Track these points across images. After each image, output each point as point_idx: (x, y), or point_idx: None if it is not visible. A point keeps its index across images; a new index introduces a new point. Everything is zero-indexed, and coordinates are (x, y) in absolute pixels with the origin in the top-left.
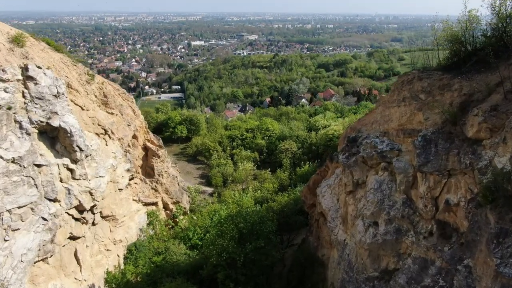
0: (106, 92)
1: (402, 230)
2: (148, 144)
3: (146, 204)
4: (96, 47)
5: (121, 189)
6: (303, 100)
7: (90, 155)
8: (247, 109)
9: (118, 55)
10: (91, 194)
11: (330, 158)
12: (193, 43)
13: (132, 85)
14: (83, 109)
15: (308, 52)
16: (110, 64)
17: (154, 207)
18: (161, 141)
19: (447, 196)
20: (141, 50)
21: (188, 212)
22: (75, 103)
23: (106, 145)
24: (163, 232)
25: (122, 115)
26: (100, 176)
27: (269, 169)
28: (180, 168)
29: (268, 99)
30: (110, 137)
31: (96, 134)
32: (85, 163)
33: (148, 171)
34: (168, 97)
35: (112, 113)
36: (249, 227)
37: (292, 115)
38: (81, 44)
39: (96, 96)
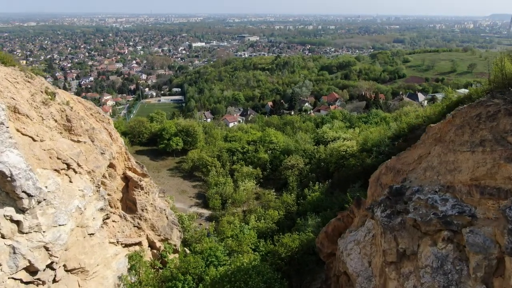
0: (70, 115)
1: None
2: (129, 173)
3: (127, 246)
4: (96, 49)
5: (92, 234)
6: (307, 104)
7: (45, 199)
8: (248, 113)
9: (119, 56)
10: (46, 249)
11: (357, 203)
12: (194, 44)
13: (132, 87)
14: (35, 140)
15: (310, 54)
16: (110, 66)
17: (137, 248)
18: (145, 168)
19: None
20: (141, 52)
21: (179, 249)
22: (23, 133)
23: (71, 181)
24: (149, 276)
25: (93, 141)
26: (60, 225)
27: (273, 189)
28: (174, 186)
29: (270, 103)
30: (75, 172)
31: (55, 170)
32: (37, 211)
33: (129, 205)
34: (168, 100)
35: (78, 141)
36: None
37: (297, 124)
38: (82, 46)
39: (56, 121)
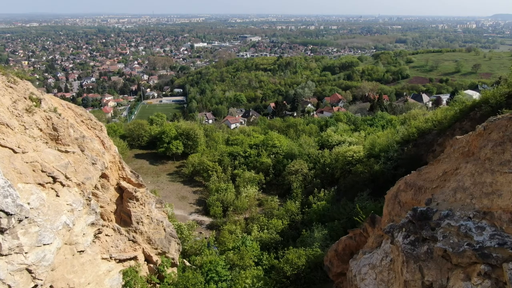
0: (57, 123)
1: None
2: (124, 183)
3: (121, 261)
4: (98, 49)
5: (83, 251)
6: (309, 105)
7: (27, 217)
8: (250, 114)
9: (121, 57)
10: (29, 271)
11: (371, 221)
12: (196, 45)
13: (134, 88)
14: (16, 152)
15: (312, 54)
16: (112, 66)
17: (132, 262)
18: (140, 178)
19: None
20: (143, 52)
21: (178, 262)
22: (2, 145)
23: (57, 196)
24: None
25: (83, 151)
26: (44, 244)
27: (276, 195)
28: (174, 192)
29: (272, 104)
30: (63, 185)
31: (39, 184)
32: (18, 231)
33: (124, 218)
34: (169, 101)
35: (66, 151)
36: None
37: (301, 126)
38: (84, 46)
39: (41, 130)
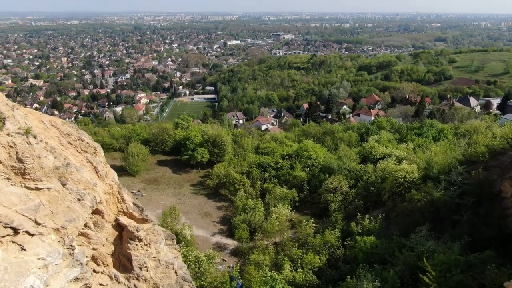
0: (24, 152)
1: None
2: (123, 219)
3: None
4: (134, 46)
5: None
6: (345, 106)
7: None
8: (282, 115)
9: (155, 54)
10: None
11: None
12: (229, 42)
13: (166, 85)
14: None
15: (347, 53)
16: (146, 63)
17: None
18: (145, 212)
19: None
20: (177, 50)
21: None
22: None
23: (23, 250)
24: None
25: (65, 184)
26: None
27: (311, 215)
28: (197, 207)
29: (305, 105)
30: (30, 234)
31: None
32: None
33: (123, 262)
34: (201, 99)
35: (37, 188)
36: None
37: (339, 134)
38: (120, 44)
39: (0, 162)
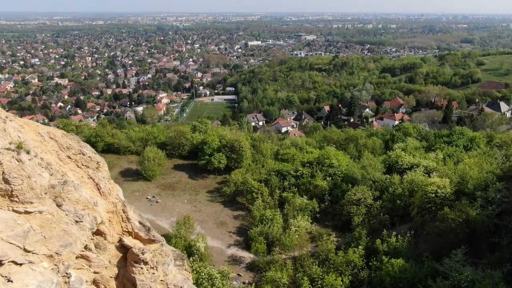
0: (11, 171)
1: None
2: (128, 240)
3: None
4: (156, 47)
5: None
6: (367, 110)
7: None
8: (303, 117)
9: (177, 54)
10: None
11: None
12: (250, 43)
13: (187, 85)
14: None
15: (370, 54)
16: (168, 63)
17: None
18: (152, 232)
19: None
20: (198, 50)
21: None
22: None
23: (10, 281)
24: None
25: (60, 205)
26: None
27: (332, 227)
28: (212, 215)
29: (327, 108)
30: (18, 264)
31: None
32: None
33: (127, 286)
34: (221, 99)
35: (27, 212)
36: None
37: (362, 140)
38: (143, 44)
39: None
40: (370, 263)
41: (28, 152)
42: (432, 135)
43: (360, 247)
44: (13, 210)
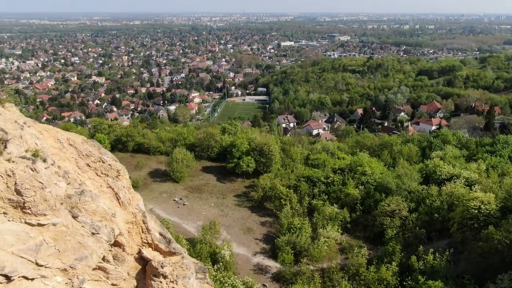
0: (23, 182)
1: None
2: (147, 252)
3: None
4: (190, 46)
5: None
6: (402, 114)
7: None
8: (335, 120)
9: (210, 54)
10: None
11: None
12: (282, 43)
13: (219, 85)
14: None
15: (406, 55)
16: (201, 63)
17: None
18: (173, 245)
19: None
20: (231, 50)
21: None
22: None
23: None
24: None
25: (76, 217)
26: None
27: (364, 239)
28: (239, 221)
29: (360, 111)
30: (29, 279)
31: None
32: None
33: None
34: (252, 100)
35: (40, 224)
36: None
37: (397, 147)
38: (177, 43)
39: None
40: (404, 283)
41: (44, 160)
42: (474, 143)
43: (393, 263)
44: (26, 222)
